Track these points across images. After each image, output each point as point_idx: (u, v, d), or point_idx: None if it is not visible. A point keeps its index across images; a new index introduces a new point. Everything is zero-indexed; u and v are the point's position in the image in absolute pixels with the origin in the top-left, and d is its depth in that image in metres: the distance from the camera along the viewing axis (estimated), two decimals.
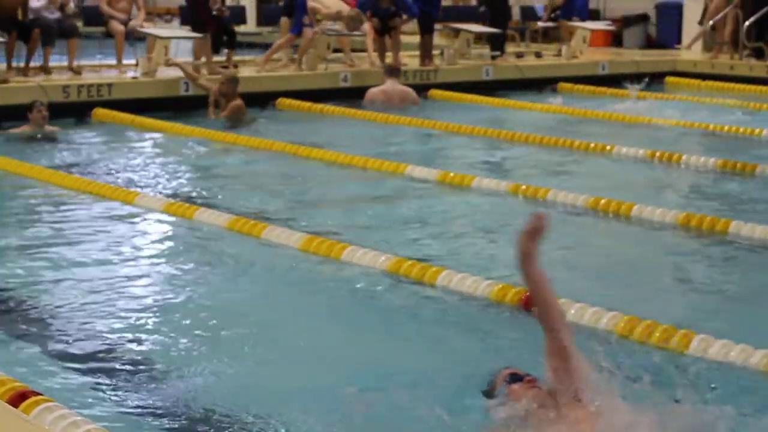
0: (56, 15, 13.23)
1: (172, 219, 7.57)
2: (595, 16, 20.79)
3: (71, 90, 12.54)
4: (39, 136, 10.92)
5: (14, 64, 13.11)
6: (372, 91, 13.77)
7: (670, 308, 5.63)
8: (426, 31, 15.80)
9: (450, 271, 5.95)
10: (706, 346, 4.86)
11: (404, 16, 15.26)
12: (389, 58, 15.34)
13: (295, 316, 5.52)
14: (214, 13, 14.09)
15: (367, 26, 15.20)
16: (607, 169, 10.11)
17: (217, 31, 14.26)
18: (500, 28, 16.93)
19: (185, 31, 14.17)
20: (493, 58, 16.89)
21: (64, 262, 6.42)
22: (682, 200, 8.53)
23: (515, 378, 4.07)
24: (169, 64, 13.32)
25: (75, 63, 13.56)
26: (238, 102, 12.34)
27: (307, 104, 13.53)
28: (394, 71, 14.03)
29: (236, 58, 15.45)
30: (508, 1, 17.41)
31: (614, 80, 16.29)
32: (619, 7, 20.89)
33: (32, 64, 13.47)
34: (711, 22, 17.77)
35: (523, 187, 8.48)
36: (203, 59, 14.24)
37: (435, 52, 16.23)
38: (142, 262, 6.50)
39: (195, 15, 14.27)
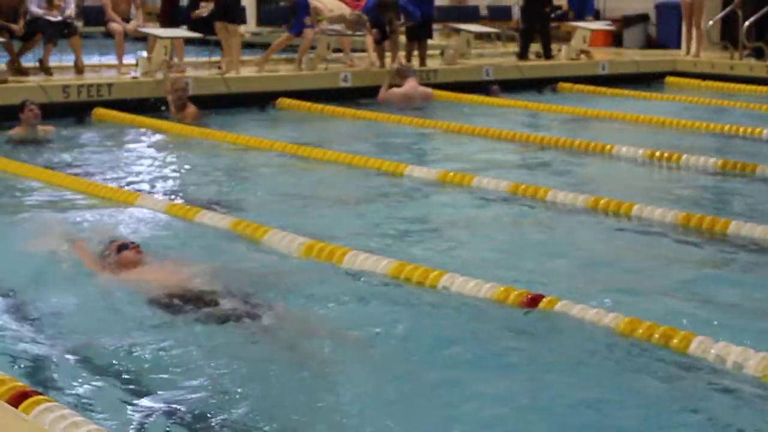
0: (58, 18, 13.23)
1: (172, 220, 7.56)
2: (595, 16, 20.78)
3: (71, 90, 12.54)
4: (33, 136, 10.84)
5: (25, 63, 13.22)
6: (394, 93, 13.72)
7: (669, 309, 5.63)
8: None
9: (452, 274, 5.94)
10: (705, 348, 4.85)
11: (402, 20, 15.21)
12: (387, 59, 15.34)
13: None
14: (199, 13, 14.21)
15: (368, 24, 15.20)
16: (607, 169, 10.12)
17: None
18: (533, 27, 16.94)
19: (185, 31, 14.17)
20: (538, 56, 17.05)
21: (64, 262, 6.41)
22: (682, 200, 8.52)
23: (123, 247, 5.79)
24: (166, 66, 13.23)
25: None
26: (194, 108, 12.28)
27: (307, 104, 13.52)
28: (412, 71, 13.99)
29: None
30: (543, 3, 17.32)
31: (614, 80, 16.33)
32: (619, 7, 20.90)
33: (32, 63, 13.50)
34: (711, 22, 17.78)
35: (523, 186, 8.48)
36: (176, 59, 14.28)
37: (435, 52, 16.23)
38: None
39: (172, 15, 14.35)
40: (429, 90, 14.21)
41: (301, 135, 11.60)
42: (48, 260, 6.32)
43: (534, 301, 5.48)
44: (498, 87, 14.97)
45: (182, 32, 14.11)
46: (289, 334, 5.03)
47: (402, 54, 15.63)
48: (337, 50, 15.72)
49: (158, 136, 11.50)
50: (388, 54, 15.41)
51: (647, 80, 16.78)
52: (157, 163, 10.31)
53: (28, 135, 10.84)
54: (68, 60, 14.03)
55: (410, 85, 13.92)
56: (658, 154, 10.22)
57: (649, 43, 20.40)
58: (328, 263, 6.39)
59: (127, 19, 14.27)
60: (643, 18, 20.65)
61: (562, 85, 16.06)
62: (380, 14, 14.82)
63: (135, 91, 12.92)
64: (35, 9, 13.04)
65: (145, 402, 4.38)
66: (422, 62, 15.65)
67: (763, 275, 6.44)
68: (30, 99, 11.21)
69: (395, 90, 13.90)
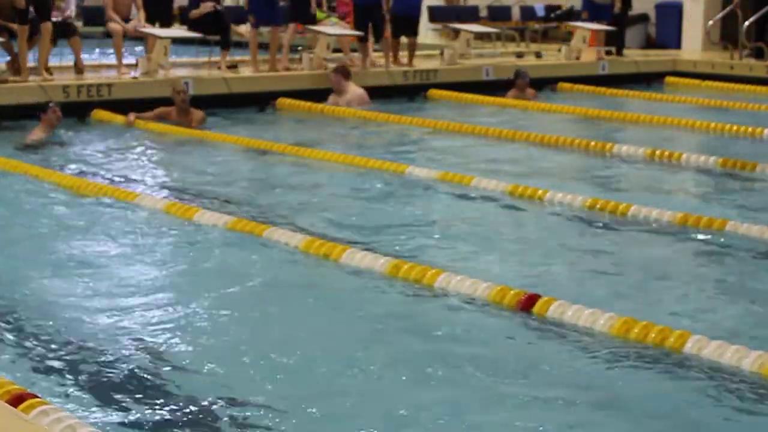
0: (58, 19, 13.24)
1: (172, 220, 7.57)
2: None
3: (71, 90, 12.54)
4: (49, 139, 10.83)
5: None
6: (347, 99, 13.51)
7: (666, 309, 5.65)
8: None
9: (449, 273, 5.95)
10: (701, 347, 4.86)
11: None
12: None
13: (294, 317, 5.52)
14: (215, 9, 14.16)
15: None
16: (606, 169, 10.12)
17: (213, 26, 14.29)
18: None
19: (185, 31, 14.17)
20: (608, 53, 17.16)
21: (64, 263, 6.43)
22: (681, 200, 8.53)
23: None
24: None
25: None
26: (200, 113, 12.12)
27: (307, 104, 13.52)
28: (350, 74, 13.83)
29: (238, 58, 15.47)
30: None
31: (614, 80, 16.32)
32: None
33: (32, 64, 13.49)
34: (711, 22, 17.79)
35: (521, 188, 8.48)
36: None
37: (435, 52, 16.21)
38: (143, 263, 6.50)
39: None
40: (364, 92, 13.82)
41: (301, 135, 11.60)
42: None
43: (531, 300, 5.50)
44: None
45: (182, 32, 14.11)
46: None
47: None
48: (337, 50, 15.72)
49: (159, 136, 11.49)
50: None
51: (647, 80, 16.79)
52: (156, 163, 10.32)
53: (46, 137, 10.81)
54: (68, 60, 14.03)
55: (352, 88, 13.71)
56: (658, 153, 10.23)
57: (649, 43, 20.40)
58: (326, 260, 6.41)
59: (127, 20, 14.26)
60: (643, 18, 20.65)
61: (562, 85, 16.06)
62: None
63: (135, 92, 12.92)
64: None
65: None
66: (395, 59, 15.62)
67: (760, 275, 6.45)
68: (54, 101, 11.18)
69: (343, 98, 13.60)
